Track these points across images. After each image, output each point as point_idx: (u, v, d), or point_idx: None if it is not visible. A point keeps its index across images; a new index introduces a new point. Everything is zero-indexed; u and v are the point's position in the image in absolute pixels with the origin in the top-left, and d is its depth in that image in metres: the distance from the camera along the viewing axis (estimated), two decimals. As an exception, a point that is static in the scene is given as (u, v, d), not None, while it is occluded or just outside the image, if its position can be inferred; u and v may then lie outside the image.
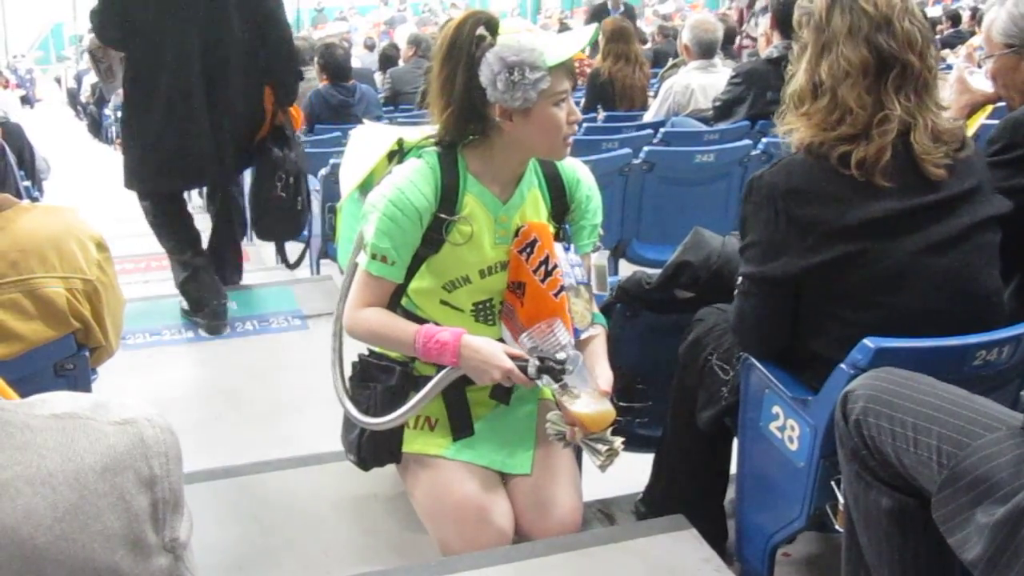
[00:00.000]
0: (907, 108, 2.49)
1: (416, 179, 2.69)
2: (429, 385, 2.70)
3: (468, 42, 2.58)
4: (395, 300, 2.79)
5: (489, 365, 2.59)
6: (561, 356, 2.54)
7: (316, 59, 9.10)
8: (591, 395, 2.55)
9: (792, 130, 2.60)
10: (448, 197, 2.70)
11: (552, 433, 2.67)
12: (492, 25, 2.60)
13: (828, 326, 2.51)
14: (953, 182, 2.51)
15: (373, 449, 2.92)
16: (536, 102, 2.54)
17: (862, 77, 2.50)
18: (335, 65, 8.67)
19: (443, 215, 2.70)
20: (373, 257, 2.67)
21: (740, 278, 2.67)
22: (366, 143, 3.02)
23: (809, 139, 2.54)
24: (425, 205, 2.67)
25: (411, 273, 2.76)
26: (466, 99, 2.60)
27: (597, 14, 13.72)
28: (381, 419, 2.77)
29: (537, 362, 2.54)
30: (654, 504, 3.19)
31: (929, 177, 2.48)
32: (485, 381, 2.64)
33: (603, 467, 2.59)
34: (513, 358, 2.59)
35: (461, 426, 2.88)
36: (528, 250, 2.74)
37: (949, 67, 9.98)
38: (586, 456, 2.71)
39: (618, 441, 2.58)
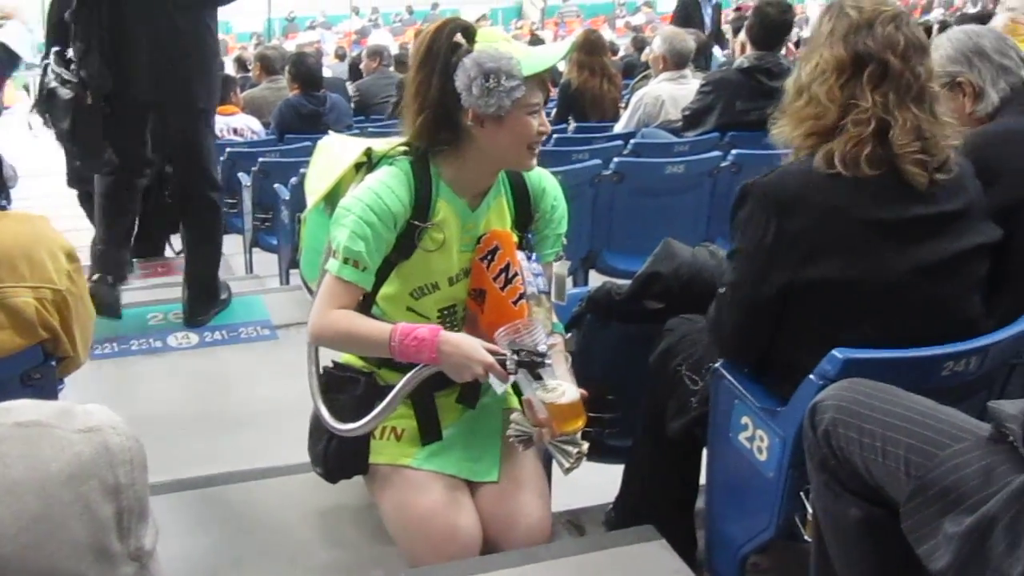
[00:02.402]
0: (883, 105, 2.51)
1: (392, 183, 2.69)
2: (401, 383, 2.69)
3: (445, 47, 2.60)
4: (365, 309, 2.78)
5: (471, 360, 2.57)
6: (541, 348, 2.54)
7: (287, 68, 9.08)
8: (568, 390, 2.56)
9: (781, 130, 2.65)
10: (422, 203, 2.71)
11: (515, 435, 2.67)
12: (469, 32, 2.62)
13: (809, 340, 2.49)
14: (943, 199, 2.53)
15: (340, 461, 2.91)
16: (509, 110, 2.56)
17: (835, 75, 2.54)
18: (307, 73, 8.65)
19: (416, 222, 2.70)
20: (345, 261, 2.64)
21: (723, 286, 2.68)
22: (333, 153, 3.02)
23: (794, 140, 2.58)
24: (400, 210, 2.67)
25: (381, 280, 2.75)
26: (440, 104, 2.62)
27: (686, 8, 12.70)
28: (356, 424, 2.75)
29: (515, 356, 2.54)
30: (625, 514, 3.19)
31: (914, 183, 2.49)
32: (465, 377, 2.62)
33: (570, 470, 2.60)
34: (491, 354, 2.59)
35: (430, 431, 2.87)
36: (489, 257, 2.75)
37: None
38: (552, 462, 2.71)
39: (586, 446, 2.59)
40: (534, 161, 2.74)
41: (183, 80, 5.18)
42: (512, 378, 2.58)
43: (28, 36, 4.44)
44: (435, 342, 2.58)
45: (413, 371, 2.67)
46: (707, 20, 12.44)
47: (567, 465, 2.59)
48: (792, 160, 2.62)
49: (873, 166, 2.46)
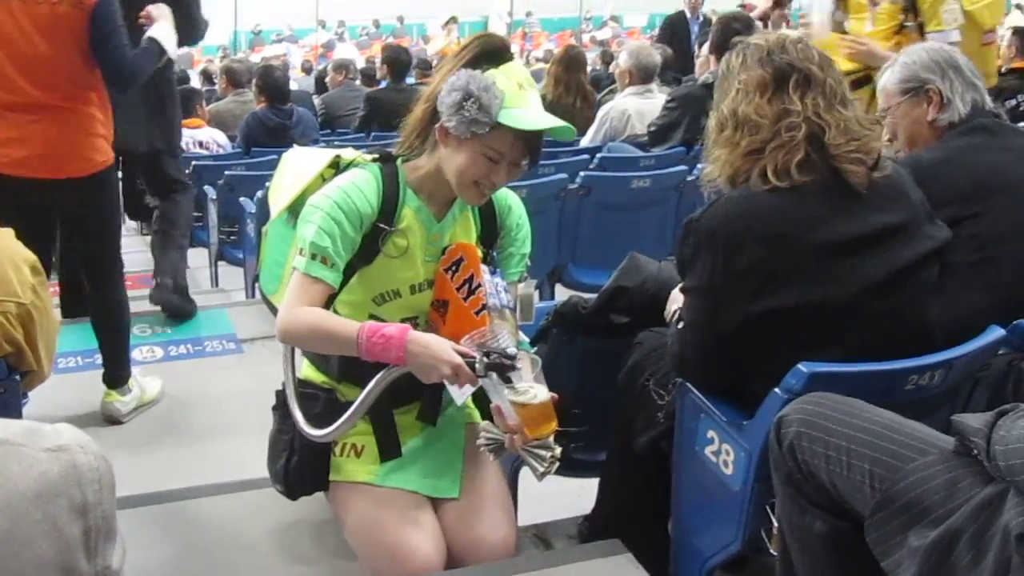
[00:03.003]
0: (815, 108, 2.55)
1: (361, 183, 2.68)
2: (371, 385, 2.67)
3: (471, 55, 2.62)
4: None
5: (438, 360, 2.53)
6: (511, 351, 2.53)
7: (255, 80, 9.05)
8: (539, 391, 2.54)
9: (715, 165, 2.67)
10: (388, 207, 2.70)
11: (485, 443, 2.64)
12: (501, 54, 2.64)
13: (771, 369, 2.49)
14: (885, 211, 2.55)
15: (300, 477, 2.89)
16: (469, 139, 2.56)
17: (759, 92, 2.59)
18: (274, 86, 8.62)
19: (382, 225, 2.70)
20: (313, 257, 2.62)
21: (680, 322, 2.69)
22: (297, 166, 3.00)
23: (730, 170, 2.59)
24: (368, 211, 2.67)
25: (343, 285, 2.73)
26: (436, 98, 2.62)
27: (672, 25, 12.21)
28: (327, 429, 2.74)
29: (485, 358, 2.50)
30: (598, 528, 3.19)
31: (850, 181, 2.52)
32: (432, 378, 2.57)
33: (544, 475, 2.57)
34: (461, 355, 2.56)
35: (389, 447, 2.86)
36: (453, 268, 2.74)
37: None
38: (524, 470, 2.70)
39: (559, 450, 2.57)
40: (479, 200, 2.74)
41: (144, 124, 5.62)
42: (480, 381, 2.55)
43: (173, 36, 4.57)
44: (403, 341, 2.55)
45: (381, 373, 2.65)
46: (694, 38, 12.31)
47: (541, 470, 2.56)
48: (729, 190, 2.63)
49: (804, 172, 2.49)
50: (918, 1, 4.61)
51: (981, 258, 2.88)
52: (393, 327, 2.59)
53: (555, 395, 2.60)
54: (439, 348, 2.56)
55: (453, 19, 21.20)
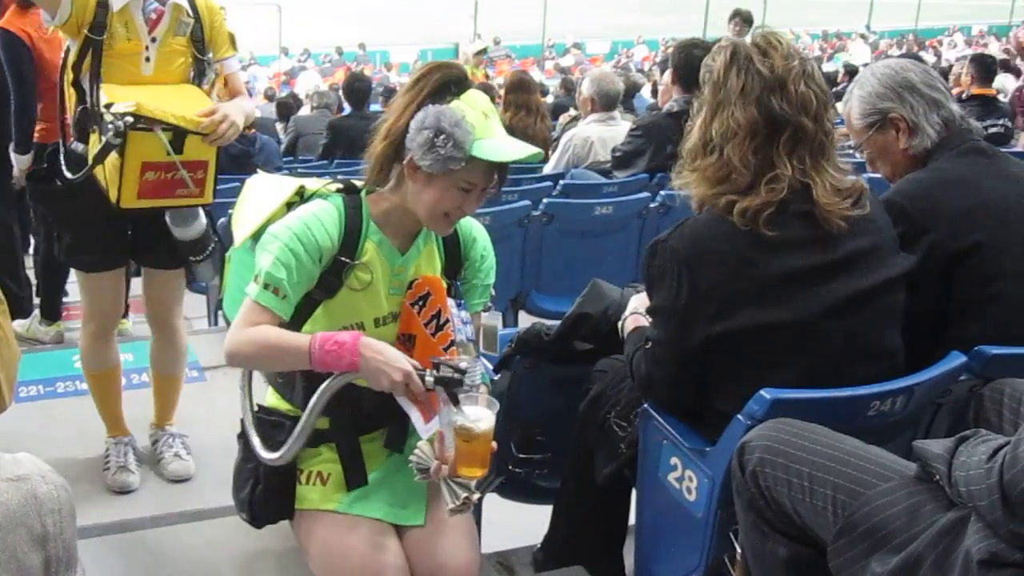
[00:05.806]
0: (800, 170, 2.53)
1: (323, 216, 2.67)
2: (319, 392, 2.66)
3: (431, 87, 2.59)
4: None
5: (390, 367, 2.53)
6: (463, 366, 2.51)
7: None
8: (486, 420, 2.52)
9: (686, 184, 2.66)
10: (350, 241, 2.69)
11: (415, 462, 2.64)
12: (461, 84, 2.62)
13: (733, 387, 2.52)
14: (851, 239, 2.55)
15: (265, 506, 2.87)
16: (441, 175, 2.56)
17: (749, 138, 2.55)
18: (236, 112, 8.59)
19: (344, 258, 2.69)
20: (265, 287, 2.62)
21: (648, 341, 2.69)
22: (263, 191, 2.99)
23: (700, 194, 2.59)
24: (328, 245, 2.66)
25: (306, 317, 2.73)
26: (400, 134, 2.61)
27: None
28: (280, 451, 2.73)
29: (436, 371, 2.50)
30: (553, 554, 3.18)
31: (832, 230, 2.52)
32: (383, 384, 2.56)
33: (453, 512, 2.57)
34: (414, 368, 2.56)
35: (355, 475, 2.84)
36: (420, 303, 2.74)
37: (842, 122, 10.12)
38: (489, 497, 2.68)
39: (476, 495, 2.57)
40: (448, 229, 2.74)
41: None
42: (438, 411, 2.55)
43: None
44: (356, 345, 2.55)
45: (328, 380, 2.64)
46: None
47: (451, 506, 2.56)
48: (697, 211, 2.64)
49: (772, 227, 2.49)
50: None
51: (985, 295, 2.85)
52: (346, 334, 2.58)
53: (494, 444, 2.58)
54: (392, 355, 2.56)
55: (484, 50, 20.98)
